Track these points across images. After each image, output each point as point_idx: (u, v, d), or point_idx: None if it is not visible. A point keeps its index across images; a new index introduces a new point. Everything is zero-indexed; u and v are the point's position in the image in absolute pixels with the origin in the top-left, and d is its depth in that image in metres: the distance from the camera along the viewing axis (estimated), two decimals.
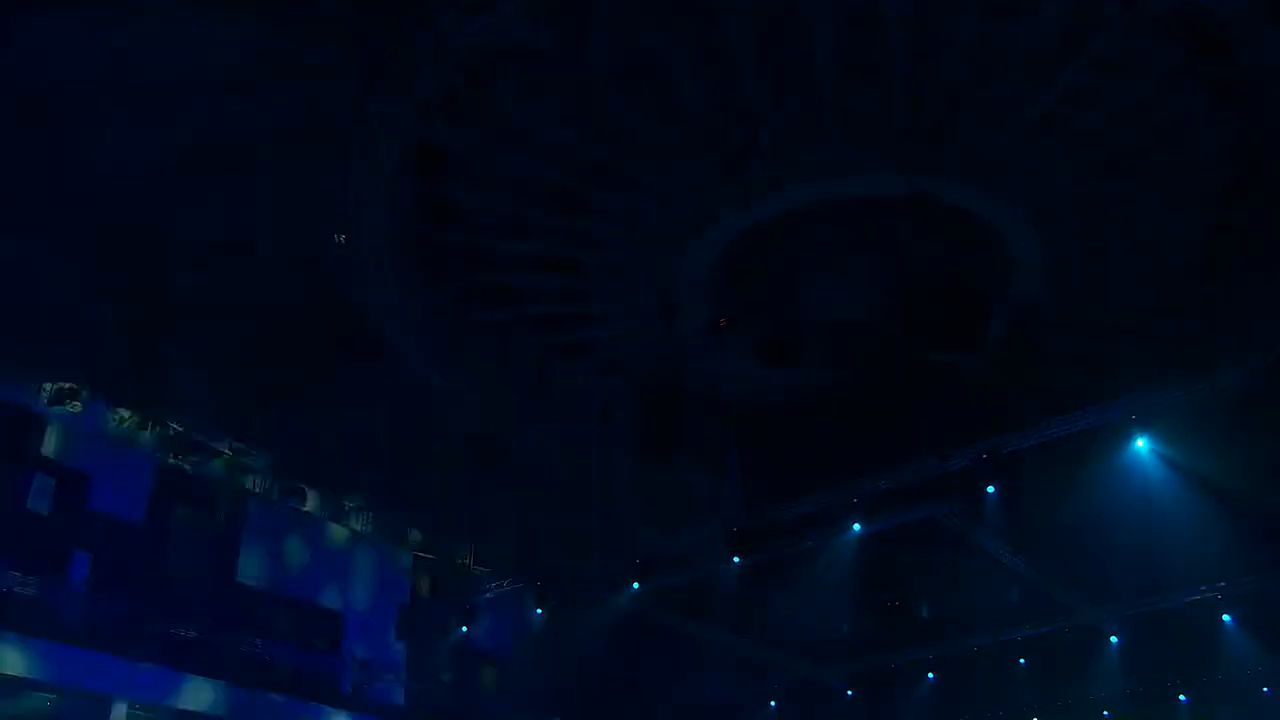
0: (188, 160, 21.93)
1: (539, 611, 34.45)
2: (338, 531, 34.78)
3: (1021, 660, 39.37)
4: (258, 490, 32.21)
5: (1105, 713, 41.46)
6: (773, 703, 43.64)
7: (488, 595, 35.10)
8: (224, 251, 24.98)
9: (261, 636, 33.02)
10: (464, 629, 35.46)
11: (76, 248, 23.69)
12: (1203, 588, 33.59)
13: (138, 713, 28.97)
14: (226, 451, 30.76)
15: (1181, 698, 40.55)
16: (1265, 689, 38.68)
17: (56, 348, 26.03)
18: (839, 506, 29.17)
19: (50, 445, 27.94)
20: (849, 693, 43.29)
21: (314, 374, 28.71)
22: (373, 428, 31.16)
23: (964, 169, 23.62)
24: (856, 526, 29.54)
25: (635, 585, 33.14)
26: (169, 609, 29.91)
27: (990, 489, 27.49)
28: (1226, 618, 34.85)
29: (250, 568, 32.54)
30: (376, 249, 24.40)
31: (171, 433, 29.54)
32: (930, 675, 41.35)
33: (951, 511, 29.09)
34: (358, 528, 34.89)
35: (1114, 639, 37.31)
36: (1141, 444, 26.14)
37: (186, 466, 30.22)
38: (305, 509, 33.31)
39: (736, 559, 31.43)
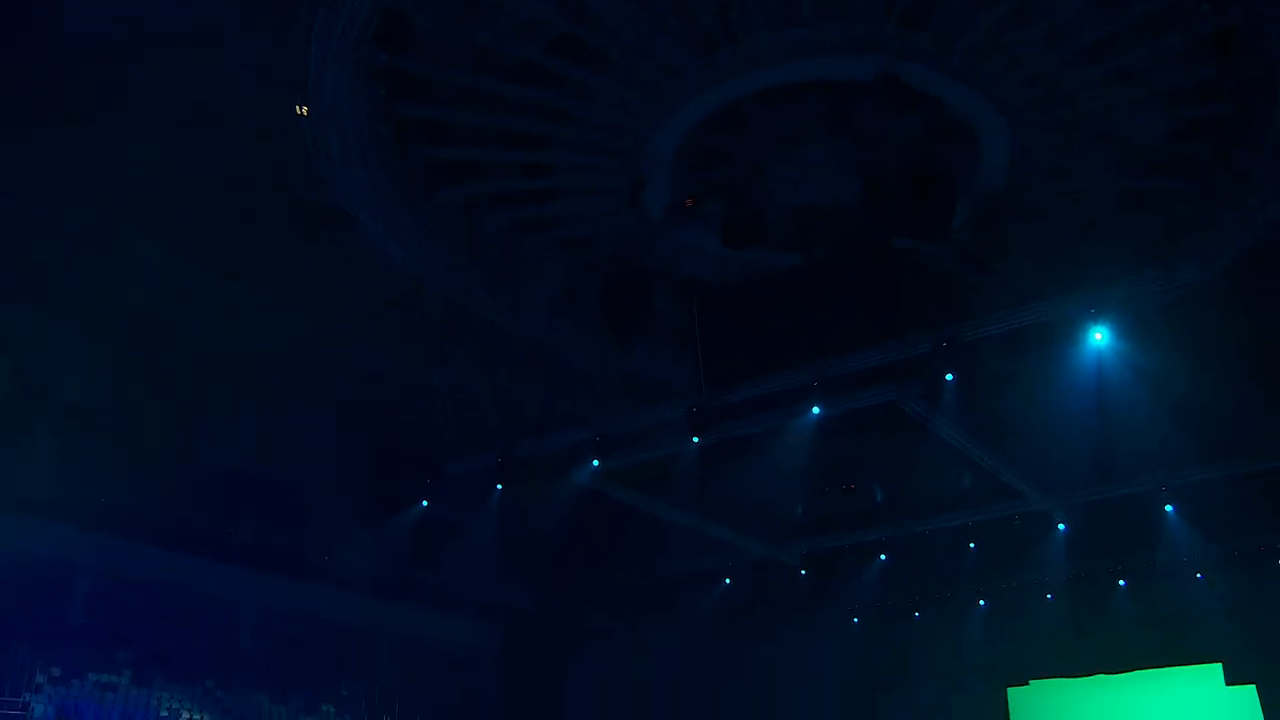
0: (153, 36, 21.49)
1: (499, 487, 34.67)
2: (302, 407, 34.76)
3: (971, 545, 40.20)
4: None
5: (1049, 596, 42.77)
6: (726, 580, 44.49)
7: (449, 471, 35.25)
8: (189, 124, 24.64)
9: (226, 510, 33.45)
10: (424, 503, 35.72)
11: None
12: (1148, 479, 34.30)
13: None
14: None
15: (1121, 583, 41.92)
16: (1199, 575, 40.01)
17: None
18: (798, 388, 29.29)
19: None
20: (802, 571, 44.15)
21: (278, 248, 28.48)
22: (335, 300, 31.08)
23: (937, 56, 23.36)
24: (815, 409, 29.71)
25: (595, 463, 33.33)
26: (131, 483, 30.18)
27: (949, 376, 27.69)
28: (1169, 508, 35.69)
29: (214, 442, 32.61)
30: (339, 121, 24.00)
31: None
32: (882, 556, 42.15)
33: (910, 397, 29.36)
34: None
35: (1061, 526, 38.13)
36: (1099, 337, 26.32)
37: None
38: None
39: (695, 438, 31.59)
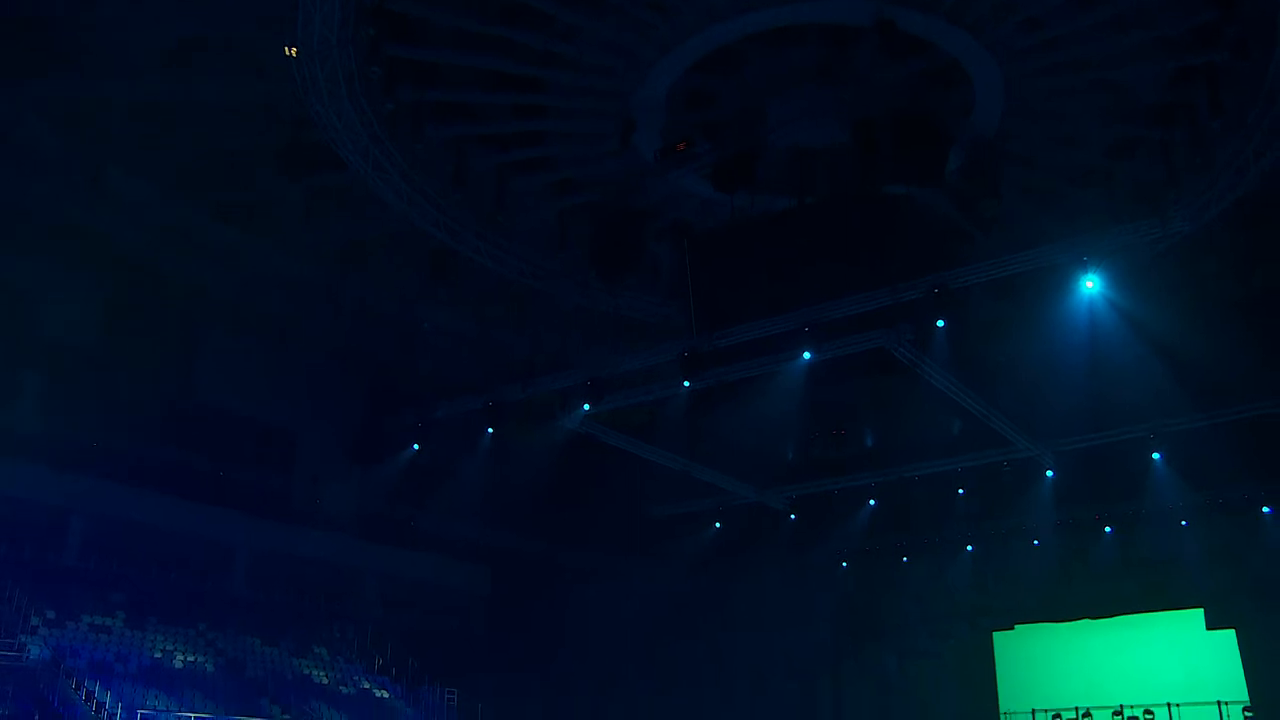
0: None
1: (489, 430, 34.74)
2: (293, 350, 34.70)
3: (960, 490, 40.49)
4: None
5: (1035, 541, 43.13)
6: (716, 523, 44.75)
7: (439, 414, 35.29)
8: (177, 64, 24.35)
9: (216, 453, 33.45)
10: (415, 446, 35.79)
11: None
12: (1136, 427, 34.51)
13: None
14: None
15: (1107, 529, 42.30)
16: (1184, 522, 40.38)
17: None
18: (789, 333, 29.31)
19: None
20: (791, 516, 44.46)
21: (267, 189, 28.26)
22: (325, 241, 30.91)
23: (934, 1, 23.15)
24: (806, 354, 29.76)
25: (585, 406, 33.40)
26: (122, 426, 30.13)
27: (940, 322, 27.72)
28: (1156, 456, 35.94)
29: (205, 385, 32.56)
30: (328, 61, 23.74)
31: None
32: (870, 501, 42.42)
33: (900, 343, 29.40)
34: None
35: (1049, 473, 38.37)
36: (1090, 285, 26.33)
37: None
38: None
39: (686, 382, 31.64)
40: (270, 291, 32.45)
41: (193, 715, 28.56)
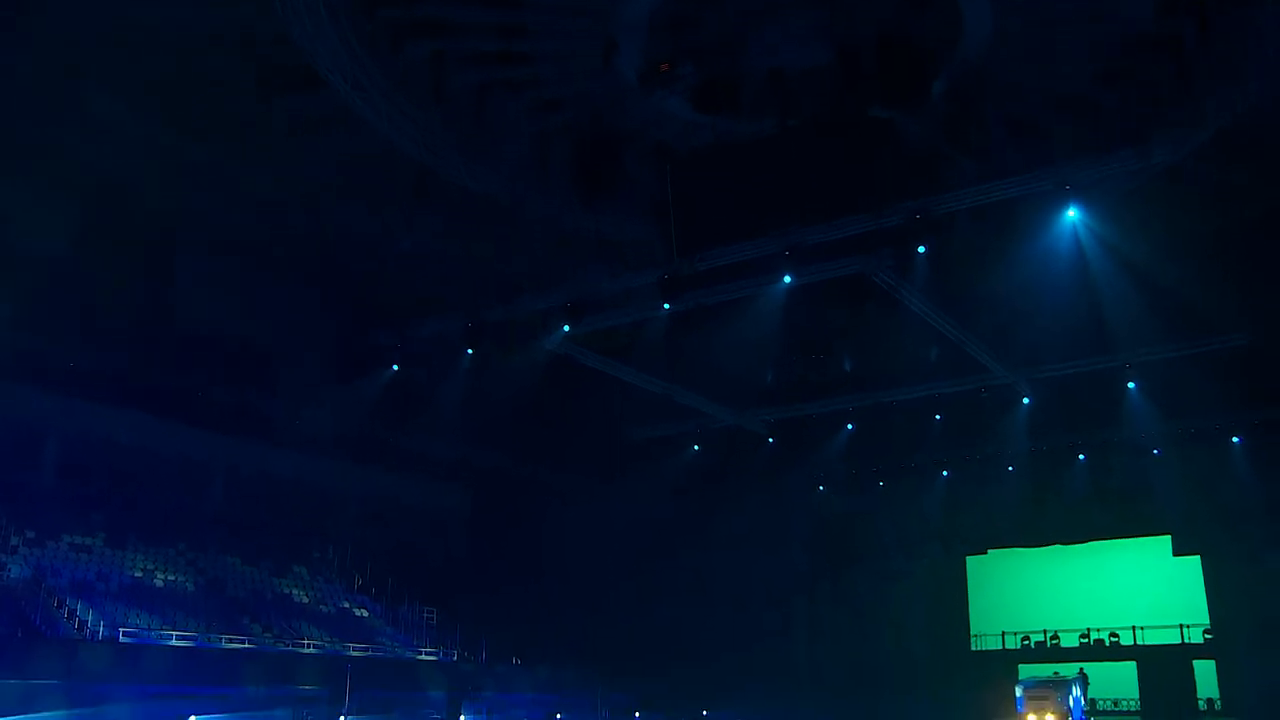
0: None
1: (469, 351, 34.72)
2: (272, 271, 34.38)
3: (937, 416, 40.81)
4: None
5: (1010, 468, 43.64)
6: (695, 446, 45.03)
7: (419, 335, 35.22)
8: None
9: (195, 374, 33.30)
10: (394, 367, 35.76)
11: None
12: (1113, 357, 34.77)
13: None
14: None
15: (1080, 456, 42.83)
16: (1156, 450, 40.93)
17: None
18: (770, 257, 29.29)
19: None
20: (769, 439, 44.77)
21: (247, 109, 27.78)
22: (305, 161, 30.51)
23: None
24: (787, 278, 29.78)
25: (565, 328, 33.42)
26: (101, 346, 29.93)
27: (921, 248, 27.76)
28: (1131, 385, 36.29)
29: (183, 306, 32.28)
30: None
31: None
32: (848, 426, 42.72)
33: (881, 268, 29.41)
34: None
35: (1025, 400, 38.69)
36: (1072, 214, 26.35)
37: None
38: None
39: (666, 305, 31.65)
40: (250, 212, 32.03)
41: (175, 633, 28.81)
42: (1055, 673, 38.81)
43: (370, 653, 33.88)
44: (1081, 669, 39.36)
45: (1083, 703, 36.21)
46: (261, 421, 36.66)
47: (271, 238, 33.69)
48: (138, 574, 31.31)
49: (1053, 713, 34.51)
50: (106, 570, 30.52)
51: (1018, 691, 35.69)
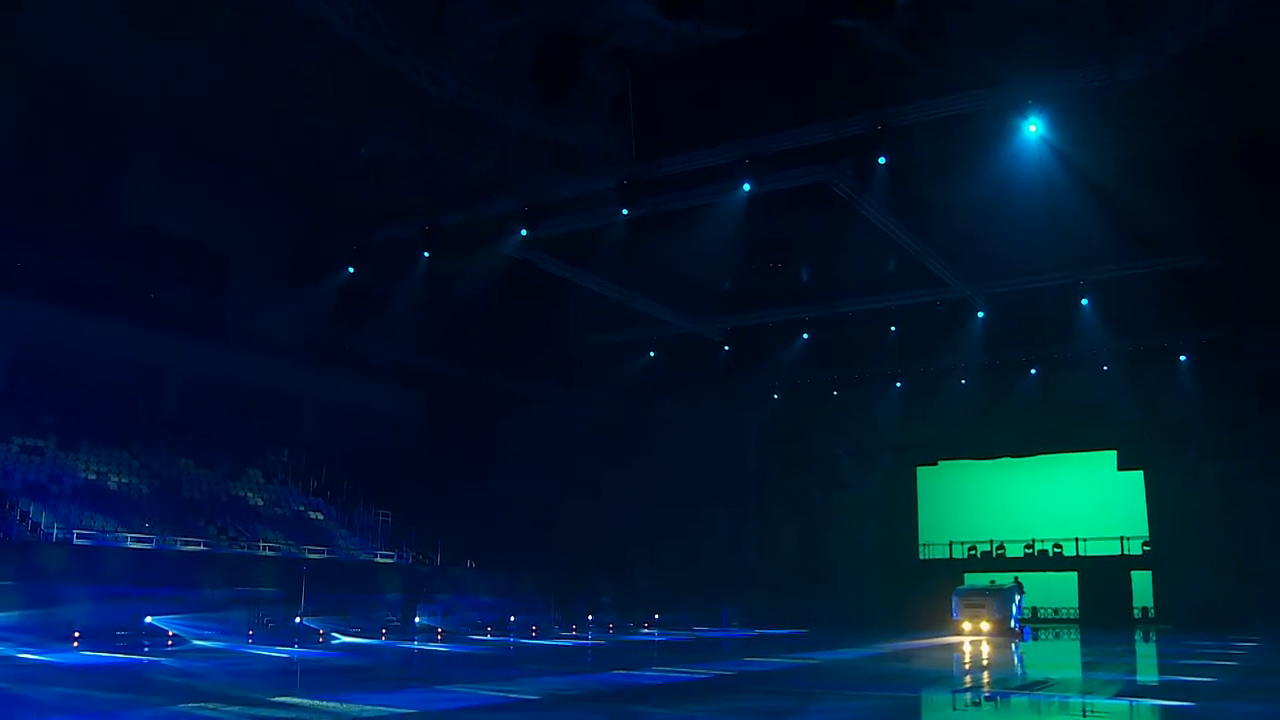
0: None
1: (425, 254, 34.40)
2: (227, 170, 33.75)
3: (892, 328, 41.01)
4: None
5: (962, 381, 44.17)
6: (651, 353, 45.13)
7: (375, 238, 34.80)
8: None
9: (148, 274, 32.76)
10: (350, 269, 35.39)
11: None
12: (1068, 273, 35.07)
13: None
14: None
15: (1032, 371, 43.42)
16: (1105, 367, 41.55)
17: None
18: (731, 164, 29.12)
19: None
20: (725, 347, 44.92)
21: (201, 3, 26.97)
22: (263, 59, 29.75)
23: None
24: (746, 186, 29.65)
25: (523, 232, 33.16)
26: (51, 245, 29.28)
27: (881, 159, 27.69)
28: (1085, 301, 36.67)
29: (136, 204, 31.60)
30: None
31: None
32: (804, 335, 42.91)
33: (840, 178, 29.33)
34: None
35: (980, 314, 38.99)
36: (1034, 129, 26.31)
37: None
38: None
39: (625, 211, 31.43)
40: (205, 111, 31.30)
41: (130, 535, 28.75)
42: (992, 581, 39.85)
43: (326, 555, 34.04)
44: (1017, 578, 40.46)
45: (1017, 611, 37.15)
46: (216, 324, 36.25)
47: (228, 137, 33.03)
48: (91, 476, 31.11)
49: (987, 620, 35.41)
50: (59, 472, 30.30)
51: (954, 600, 36.55)
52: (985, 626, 35.43)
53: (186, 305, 35.02)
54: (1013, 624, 36.65)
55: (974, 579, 42.85)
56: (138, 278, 32.94)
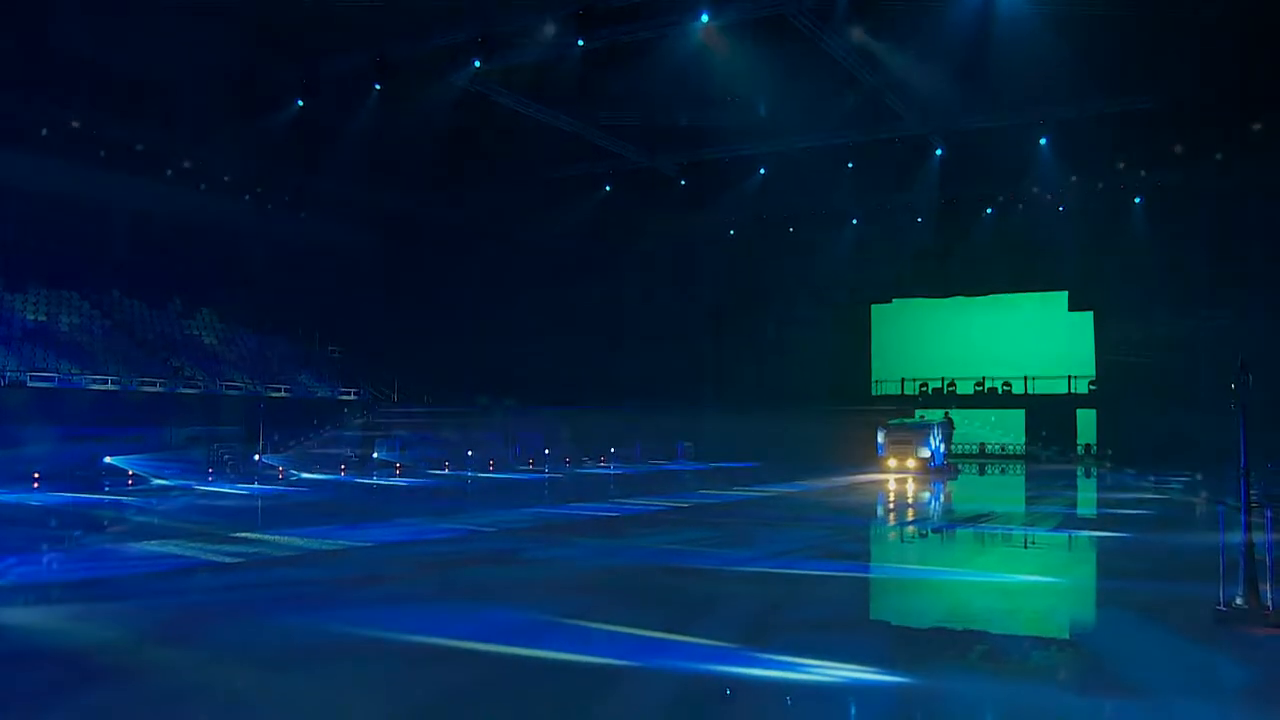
0: None
1: (376, 87, 33.59)
2: None
3: (849, 164, 40.73)
4: None
5: (918, 219, 44.27)
6: (607, 187, 44.74)
7: (325, 69, 33.81)
8: None
9: (87, 109, 31.77)
10: (299, 102, 34.54)
11: None
12: (1028, 112, 34.86)
13: None
14: None
15: (988, 210, 43.58)
16: (1060, 207, 41.78)
17: None
18: None
19: None
20: (682, 181, 44.54)
21: None
22: None
23: None
24: (704, 16, 29.06)
25: (476, 63, 32.38)
26: None
27: None
28: (1043, 141, 36.56)
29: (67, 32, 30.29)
30: None
31: None
32: (761, 170, 42.61)
33: (802, 10, 28.78)
34: None
35: (938, 152, 38.81)
36: None
37: None
38: None
39: (581, 41, 30.71)
40: None
41: (87, 377, 28.63)
42: (921, 417, 40.20)
43: (284, 393, 34.15)
44: (948, 414, 40.92)
45: (943, 448, 37.53)
46: (161, 162, 35.37)
47: None
48: (42, 318, 30.77)
49: (912, 458, 35.71)
50: (7, 314, 29.94)
51: (879, 436, 36.86)
52: (911, 464, 35.35)
53: (129, 142, 34.02)
54: (941, 460, 36.58)
55: (911, 417, 42.67)
56: (74, 112, 31.87)
